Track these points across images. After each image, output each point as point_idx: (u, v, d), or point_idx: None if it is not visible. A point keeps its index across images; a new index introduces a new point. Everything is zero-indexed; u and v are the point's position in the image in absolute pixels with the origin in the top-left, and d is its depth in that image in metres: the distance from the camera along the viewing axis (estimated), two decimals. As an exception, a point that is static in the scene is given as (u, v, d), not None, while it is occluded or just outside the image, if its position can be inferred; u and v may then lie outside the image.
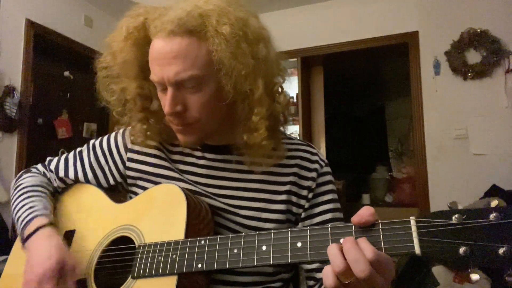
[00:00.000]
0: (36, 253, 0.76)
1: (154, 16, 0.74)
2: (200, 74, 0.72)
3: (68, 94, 3.44)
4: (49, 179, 0.96)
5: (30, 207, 0.85)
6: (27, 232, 0.80)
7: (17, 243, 0.92)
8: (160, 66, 0.72)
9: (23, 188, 0.90)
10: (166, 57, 0.71)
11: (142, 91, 0.82)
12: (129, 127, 0.89)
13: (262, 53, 0.74)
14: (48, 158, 0.99)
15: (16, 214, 0.86)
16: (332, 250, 0.54)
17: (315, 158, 0.87)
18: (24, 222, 0.82)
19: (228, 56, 0.70)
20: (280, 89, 0.82)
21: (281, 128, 0.89)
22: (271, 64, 0.77)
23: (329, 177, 0.87)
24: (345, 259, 0.52)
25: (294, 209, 0.83)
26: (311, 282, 0.85)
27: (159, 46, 0.72)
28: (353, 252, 0.52)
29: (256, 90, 0.74)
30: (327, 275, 0.54)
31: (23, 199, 0.87)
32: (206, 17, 0.70)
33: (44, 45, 3.11)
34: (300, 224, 0.84)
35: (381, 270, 0.53)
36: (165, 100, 0.74)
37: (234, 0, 0.76)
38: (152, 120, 0.85)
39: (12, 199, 0.91)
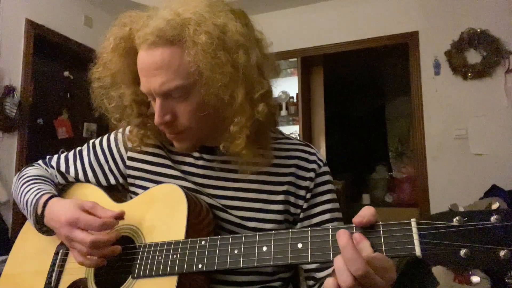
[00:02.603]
0: (57, 214, 0.78)
1: (138, 26, 0.74)
2: (185, 84, 0.71)
3: (68, 94, 3.44)
4: (50, 175, 0.96)
5: (38, 189, 0.86)
6: (40, 206, 0.82)
7: (18, 242, 0.92)
8: (146, 78, 0.73)
9: (28, 177, 0.91)
10: (150, 68, 0.71)
11: (137, 97, 0.82)
12: (129, 126, 0.89)
13: (241, 61, 0.71)
14: (47, 156, 1.00)
15: (24, 198, 0.86)
16: (339, 263, 0.53)
17: (313, 158, 0.86)
18: (34, 201, 0.83)
19: (205, 66, 0.69)
20: (262, 96, 0.76)
21: (277, 128, 0.89)
22: (252, 71, 0.73)
23: (327, 177, 0.87)
24: (352, 274, 0.51)
25: (292, 209, 0.83)
26: (311, 282, 0.85)
27: (143, 58, 0.72)
28: (349, 251, 0.52)
29: (236, 98, 0.72)
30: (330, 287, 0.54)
31: (29, 185, 0.88)
32: (184, 26, 0.69)
33: (44, 45, 3.10)
34: (298, 225, 0.84)
35: (380, 271, 0.52)
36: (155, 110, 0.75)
37: (214, 4, 0.74)
38: (150, 124, 0.85)
39: (17, 189, 0.91)
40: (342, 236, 0.54)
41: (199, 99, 0.73)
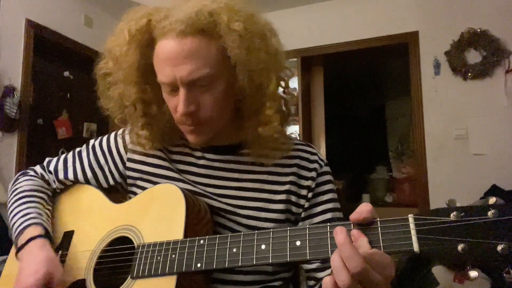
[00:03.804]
0: (26, 265, 0.75)
1: (159, 17, 0.73)
2: (212, 72, 0.72)
3: (68, 94, 3.44)
4: (47, 181, 0.96)
5: (24, 214, 0.84)
6: (20, 242, 0.80)
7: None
8: (171, 67, 0.71)
9: (19, 193, 0.90)
10: (178, 57, 0.70)
11: (143, 95, 0.81)
12: (129, 127, 0.89)
13: (273, 48, 0.76)
14: (47, 159, 0.99)
15: (11, 221, 0.86)
16: (336, 262, 0.53)
17: (314, 157, 0.87)
18: (17, 231, 0.82)
19: (243, 52, 0.71)
20: (288, 83, 0.84)
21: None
22: (281, 59, 0.79)
23: (328, 177, 0.87)
24: (350, 272, 0.51)
25: (294, 209, 0.83)
26: (312, 282, 0.85)
27: (170, 46, 0.71)
28: (346, 248, 0.52)
29: (269, 84, 0.76)
30: (327, 285, 0.53)
31: (18, 205, 0.87)
32: (216, 15, 0.71)
33: (44, 45, 3.11)
34: (300, 224, 0.84)
35: (378, 268, 0.52)
36: (176, 101, 0.74)
37: None
38: (154, 125, 0.84)
39: (8, 204, 0.91)
40: (339, 233, 0.54)
41: (222, 89, 0.75)
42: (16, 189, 0.92)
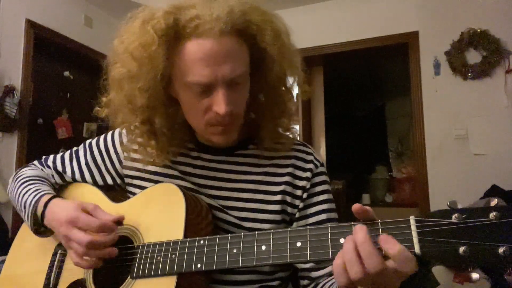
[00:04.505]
0: (57, 214, 0.77)
1: (188, 16, 0.69)
2: (247, 70, 0.75)
3: (68, 94, 3.44)
4: (47, 175, 0.96)
5: (37, 190, 0.85)
6: (40, 207, 0.81)
7: (16, 242, 0.92)
8: (211, 66, 0.70)
9: (25, 177, 0.90)
10: (219, 56, 0.70)
11: (153, 102, 0.76)
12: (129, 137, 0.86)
13: (294, 46, 0.81)
14: (43, 157, 0.99)
15: (22, 199, 0.85)
16: (350, 255, 0.53)
17: (310, 158, 0.86)
18: (33, 202, 0.82)
19: (277, 49, 0.75)
20: (302, 79, 0.88)
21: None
22: (298, 57, 0.83)
23: (324, 178, 0.87)
24: (365, 269, 0.51)
25: (289, 209, 0.83)
26: (305, 281, 0.84)
27: (210, 45, 0.69)
28: (368, 247, 0.52)
29: (286, 80, 0.82)
30: (338, 270, 0.54)
31: (27, 186, 0.87)
32: (248, 15, 0.72)
33: (44, 45, 3.10)
34: (294, 224, 0.84)
35: (401, 267, 0.52)
36: (208, 102, 0.73)
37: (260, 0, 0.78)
38: (158, 133, 0.81)
39: (13, 190, 0.90)
40: (360, 231, 0.54)
41: (248, 87, 0.78)
42: (21, 175, 0.91)
